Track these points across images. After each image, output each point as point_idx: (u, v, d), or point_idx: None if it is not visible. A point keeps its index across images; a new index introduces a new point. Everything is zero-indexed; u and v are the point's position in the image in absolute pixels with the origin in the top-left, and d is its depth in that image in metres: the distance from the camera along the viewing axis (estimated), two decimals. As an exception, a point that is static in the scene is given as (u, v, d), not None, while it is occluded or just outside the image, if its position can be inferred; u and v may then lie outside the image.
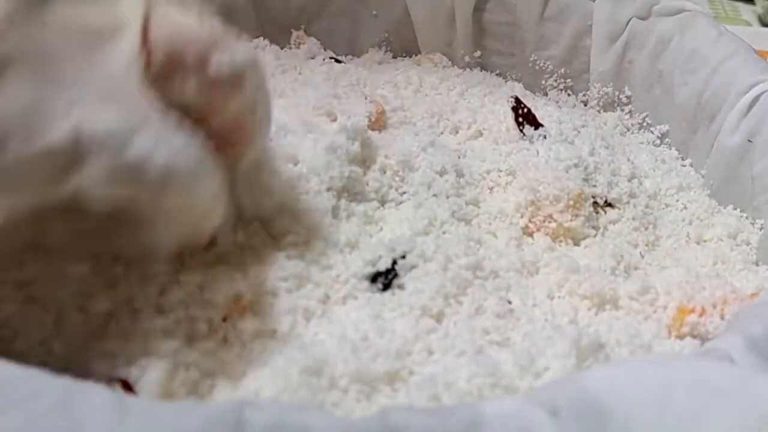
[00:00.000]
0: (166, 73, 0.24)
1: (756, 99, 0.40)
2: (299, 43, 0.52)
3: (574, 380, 0.20)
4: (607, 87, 0.50)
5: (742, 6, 0.80)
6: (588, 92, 0.51)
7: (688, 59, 0.44)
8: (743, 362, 0.22)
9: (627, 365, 0.21)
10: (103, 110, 0.22)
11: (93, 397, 0.17)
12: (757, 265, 0.37)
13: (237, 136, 0.27)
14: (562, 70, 0.52)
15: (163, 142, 0.23)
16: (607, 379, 0.20)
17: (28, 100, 0.21)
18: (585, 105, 0.51)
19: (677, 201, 0.41)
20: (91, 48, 0.23)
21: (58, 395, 0.17)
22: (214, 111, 0.25)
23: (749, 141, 0.39)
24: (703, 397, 0.19)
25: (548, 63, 0.52)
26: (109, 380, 0.23)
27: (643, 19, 0.47)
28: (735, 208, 0.40)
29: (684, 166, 0.45)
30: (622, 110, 0.49)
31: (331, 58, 0.50)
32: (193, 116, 0.25)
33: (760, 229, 0.39)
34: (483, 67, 0.54)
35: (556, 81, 0.52)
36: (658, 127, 0.47)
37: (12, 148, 0.21)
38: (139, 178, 0.23)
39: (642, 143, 0.47)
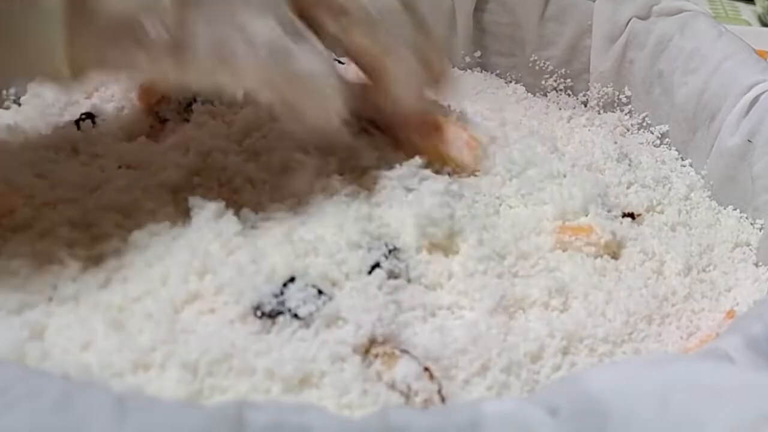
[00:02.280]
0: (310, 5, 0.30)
1: (756, 99, 0.40)
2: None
3: (574, 380, 0.20)
4: (607, 87, 0.50)
5: (742, 6, 0.80)
6: (588, 92, 0.51)
7: (688, 59, 0.44)
8: (742, 361, 0.22)
9: (627, 365, 0.21)
10: (265, 22, 0.28)
11: (93, 397, 0.17)
12: (757, 266, 0.37)
13: (377, 75, 0.32)
14: (562, 71, 0.52)
15: (307, 52, 0.29)
16: (606, 379, 0.20)
17: (213, 13, 0.27)
18: (585, 105, 0.51)
19: (678, 202, 0.41)
20: None
21: (58, 395, 0.17)
22: (353, 47, 0.31)
23: (749, 141, 0.39)
24: (703, 396, 0.19)
25: (548, 63, 0.52)
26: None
27: (643, 19, 0.47)
28: (735, 209, 0.40)
29: (684, 166, 0.45)
30: (622, 110, 0.49)
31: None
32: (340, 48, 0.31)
33: (760, 229, 0.39)
34: (483, 68, 0.54)
35: (556, 81, 0.52)
36: (657, 127, 0.47)
37: (202, 50, 0.27)
38: (286, 75, 0.29)
39: (642, 143, 0.47)
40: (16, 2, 0.25)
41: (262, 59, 0.28)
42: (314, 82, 0.30)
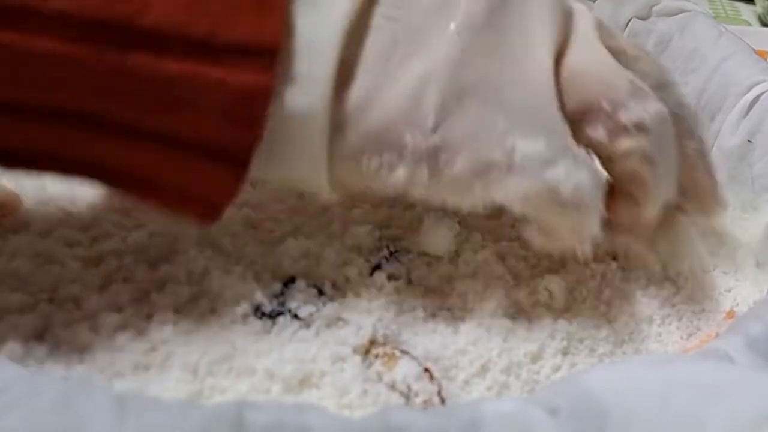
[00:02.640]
0: (579, 113, 0.27)
1: (756, 99, 0.40)
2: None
3: (574, 380, 0.20)
4: (607, 87, 0.49)
5: (742, 6, 0.80)
6: (588, 93, 0.51)
7: (688, 59, 0.44)
8: (742, 361, 0.22)
9: (627, 365, 0.21)
10: (534, 137, 0.25)
11: (93, 397, 0.17)
12: (758, 266, 0.37)
13: (634, 187, 0.28)
14: (563, 71, 0.52)
15: (578, 172, 0.26)
16: (607, 379, 0.20)
17: (477, 124, 0.25)
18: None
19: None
20: (518, 75, 0.26)
21: (58, 395, 0.17)
22: (616, 156, 0.27)
23: (749, 141, 0.39)
24: (703, 396, 0.19)
25: (548, 63, 0.52)
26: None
27: (643, 19, 0.47)
28: (735, 209, 0.40)
29: (684, 166, 0.45)
30: (622, 110, 0.49)
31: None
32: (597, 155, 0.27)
33: (760, 228, 0.39)
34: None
35: (556, 81, 0.52)
36: (658, 127, 0.47)
37: (460, 162, 0.25)
38: (552, 199, 0.26)
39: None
40: (285, 122, 0.24)
41: (525, 177, 0.25)
42: (578, 204, 0.26)
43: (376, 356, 0.26)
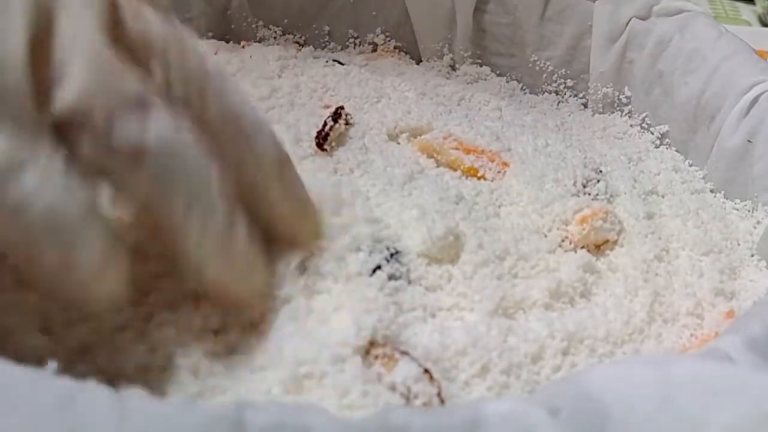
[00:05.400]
0: (67, 119, 0.20)
1: (756, 99, 0.40)
2: (300, 45, 0.53)
3: (574, 380, 0.20)
4: (607, 87, 0.50)
5: (742, 6, 0.80)
6: (588, 93, 0.51)
7: (688, 59, 0.44)
8: (742, 361, 0.22)
9: (627, 365, 0.21)
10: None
11: (93, 397, 0.17)
12: (758, 265, 0.37)
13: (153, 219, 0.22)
14: (562, 71, 0.52)
15: (49, 184, 0.20)
16: (607, 378, 0.20)
17: None
18: (585, 106, 0.51)
19: (679, 202, 0.41)
20: None
21: (58, 395, 0.17)
22: (121, 182, 0.22)
23: (749, 141, 0.39)
24: (703, 396, 0.19)
25: (548, 63, 0.52)
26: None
27: (643, 19, 0.47)
28: (735, 209, 0.40)
29: (684, 167, 0.45)
30: (622, 111, 0.49)
31: (334, 60, 0.50)
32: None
33: (760, 229, 0.39)
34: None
35: (556, 82, 0.52)
36: (657, 127, 0.47)
37: None
38: (18, 221, 0.19)
39: (642, 144, 0.47)
40: None
41: None
42: (43, 218, 0.20)
43: (376, 357, 0.26)
